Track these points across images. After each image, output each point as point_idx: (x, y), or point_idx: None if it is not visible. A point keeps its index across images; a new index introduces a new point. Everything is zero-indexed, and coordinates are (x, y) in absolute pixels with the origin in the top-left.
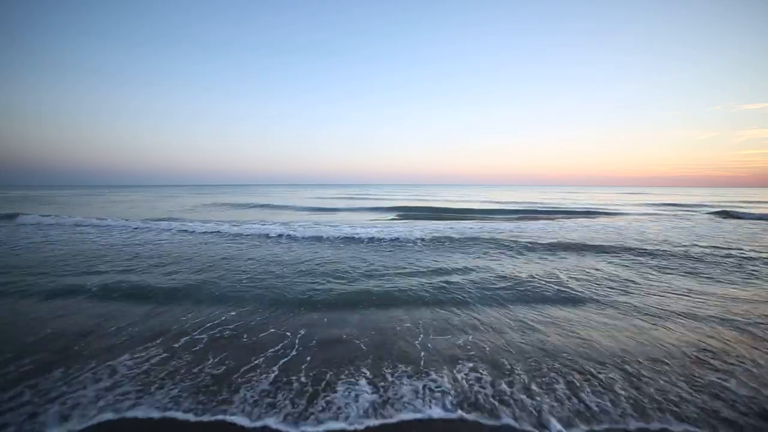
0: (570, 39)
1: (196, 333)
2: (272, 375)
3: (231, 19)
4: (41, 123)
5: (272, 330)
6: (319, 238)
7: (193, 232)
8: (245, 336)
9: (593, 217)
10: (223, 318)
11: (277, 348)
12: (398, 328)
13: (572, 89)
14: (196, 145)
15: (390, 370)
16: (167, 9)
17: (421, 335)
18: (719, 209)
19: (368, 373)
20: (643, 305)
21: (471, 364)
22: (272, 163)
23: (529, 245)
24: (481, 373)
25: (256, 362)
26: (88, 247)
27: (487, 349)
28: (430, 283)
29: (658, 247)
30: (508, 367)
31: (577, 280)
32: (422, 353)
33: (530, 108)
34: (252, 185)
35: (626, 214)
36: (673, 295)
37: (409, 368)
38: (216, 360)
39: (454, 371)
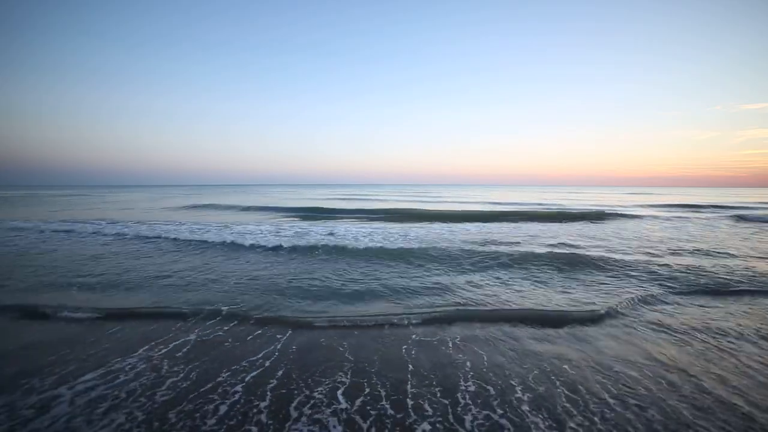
0: (570, 39)
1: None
2: None
3: (231, 19)
4: (41, 123)
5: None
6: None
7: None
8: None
9: (599, 221)
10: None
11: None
12: None
13: (572, 89)
14: (196, 145)
15: None
16: (167, 9)
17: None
18: (733, 212)
19: None
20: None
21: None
22: (272, 163)
23: (512, 257)
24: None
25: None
26: None
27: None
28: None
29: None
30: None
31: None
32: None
33: (530, 108)
34: (251, 185)
35: (634, 216)
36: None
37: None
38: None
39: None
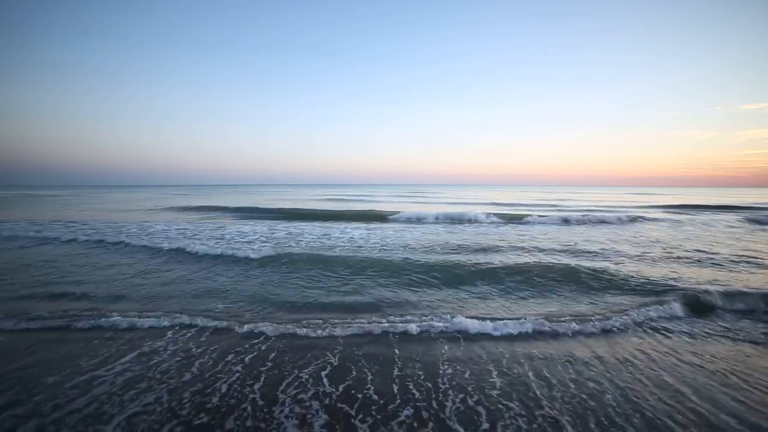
0: (570, 39)
1: None
2: None
3: (231, 19)
4: (41, 123)
5: None
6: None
7: None
8: None
9: (624, 224)
10: None
11: None
12: None
13: (572, 89)
14: (196, 145)
15: None
16: (167, 9)
17: None
18: (748, 213)
19: None
20: None
21: None
22: (273, 163)
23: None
24: None
25: None
26: None
27: None
28: None
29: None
30: None
31: None
32: None
33: (530, 108)
34: (251, 185)
35: (642, 218)
36: None
37: None
38: None
39: None
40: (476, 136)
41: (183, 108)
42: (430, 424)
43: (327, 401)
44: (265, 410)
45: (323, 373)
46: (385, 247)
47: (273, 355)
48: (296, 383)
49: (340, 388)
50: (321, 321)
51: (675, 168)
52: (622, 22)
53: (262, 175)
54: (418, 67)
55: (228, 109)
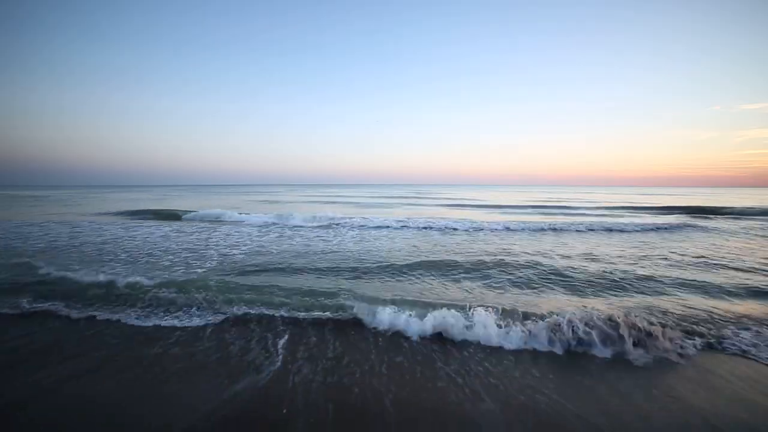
0: (570, 39)
1: None
2: None
3: (231, 20)
4: (43, 123)
5: None
6: None
7: None
8: None
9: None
10: None
11: None
12: None
13: (572, 89)
14: (197, 145)
15: None
16: (168, 9)
17: None
18: None
19: None
20: None
21: None
22: (275, 163)
23: None
24: None
25: None
26: None
27: None
28: None
29: None
30: None
31: None
32: None
33: (530, 108)
34: (250, 185)
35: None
36: None
37: None
38: None
39: None
40: (476, 137)
41: (184, 108)
42: None
43: None
44: None
45: None
46: None
47: None
48: None
49: None
50: None
51: (675, 168)
52: (623, 22)
53: (263, 175)
54: (419, 69)
55: (228, 109)
